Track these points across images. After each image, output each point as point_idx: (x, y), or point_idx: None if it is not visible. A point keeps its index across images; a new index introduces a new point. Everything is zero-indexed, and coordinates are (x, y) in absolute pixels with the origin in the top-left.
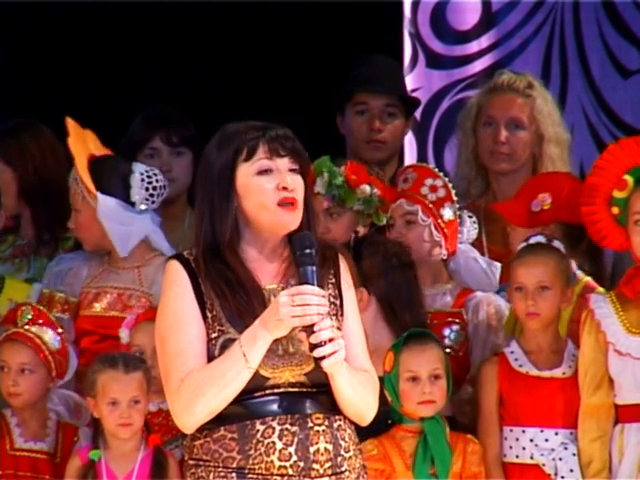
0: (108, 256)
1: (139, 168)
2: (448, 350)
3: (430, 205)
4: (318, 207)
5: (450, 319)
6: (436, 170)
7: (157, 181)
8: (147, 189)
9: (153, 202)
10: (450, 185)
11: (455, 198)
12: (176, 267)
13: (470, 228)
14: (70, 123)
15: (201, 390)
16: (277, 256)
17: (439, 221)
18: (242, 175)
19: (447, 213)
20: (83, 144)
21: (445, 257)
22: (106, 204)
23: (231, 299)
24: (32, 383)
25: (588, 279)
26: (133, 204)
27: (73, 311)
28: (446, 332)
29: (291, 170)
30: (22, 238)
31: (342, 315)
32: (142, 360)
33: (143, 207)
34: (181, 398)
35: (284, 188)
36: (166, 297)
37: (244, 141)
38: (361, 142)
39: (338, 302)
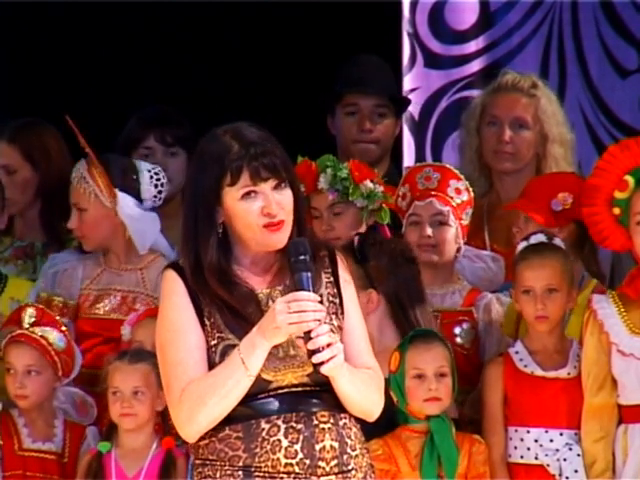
0: (104, 257)
1: (145, 166)
2: (459, 348)
3: (457, 208)
4: (322, 204)
5: (460, 317)
6: (458, 172)
7: (163, 178)
8: (156, 186)
9: (160, 199)
10: (471, 189)
11: (473, 202)
12: (172, 276)
13: None
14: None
15: (202, 399)
16: (268, 265)
17: (461, 224)
18: (228, 199)
19: (465, 217)
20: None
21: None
22: (127, 204)
23: (226, 308)
24: (39, 384)
25: (596, 281)
26: (141, 202)
27: (72, 314)
28: (457, 330)
29: (277, 187)
30: (21, 239)
31: (342, 313)
32: (152, 354)
33: (150, 204)
34: (183, 408)
35: (268, 214)
36: (164, 307)
37: (227, 164)
38: (352, 143)
39: (337, 301)
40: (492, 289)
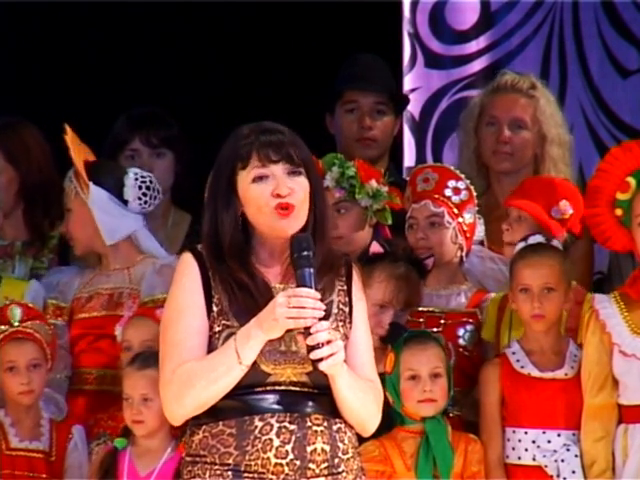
0: (99, 265)
1: (133, 170)
2: (462, 350)
3: (454, 208)
4: None
5: (464, 319)
6: (458, 172)
7: (151, 182)
8: (140, 187)
9: (146, 202)
10: (472, 187)
11: (476, 200)
12: (188, 259)
13: (480, 229)
14: (69, 129)
15: (191, 381)
16: (283, 257)
17: (461, 224)
18: (241, 183)
19: (468, 215)
20: (78, 147)
21: (464, 259)
22: (98, 194)
23: (239, 296)
24: (41, 377)
25: (574, 283)
26: (126, 203)
27: (66, 316)
28: (460, 332)
29: (290, 173)
30: (2, 239)
31: (350, 322)
32: None
33: (135, 206)
34: (172, 388)
35: (278, 195)
36: (174, 288)
37: (239, 149)
38: (352, 140)
39: (347, 309)
40: (500, 291)
